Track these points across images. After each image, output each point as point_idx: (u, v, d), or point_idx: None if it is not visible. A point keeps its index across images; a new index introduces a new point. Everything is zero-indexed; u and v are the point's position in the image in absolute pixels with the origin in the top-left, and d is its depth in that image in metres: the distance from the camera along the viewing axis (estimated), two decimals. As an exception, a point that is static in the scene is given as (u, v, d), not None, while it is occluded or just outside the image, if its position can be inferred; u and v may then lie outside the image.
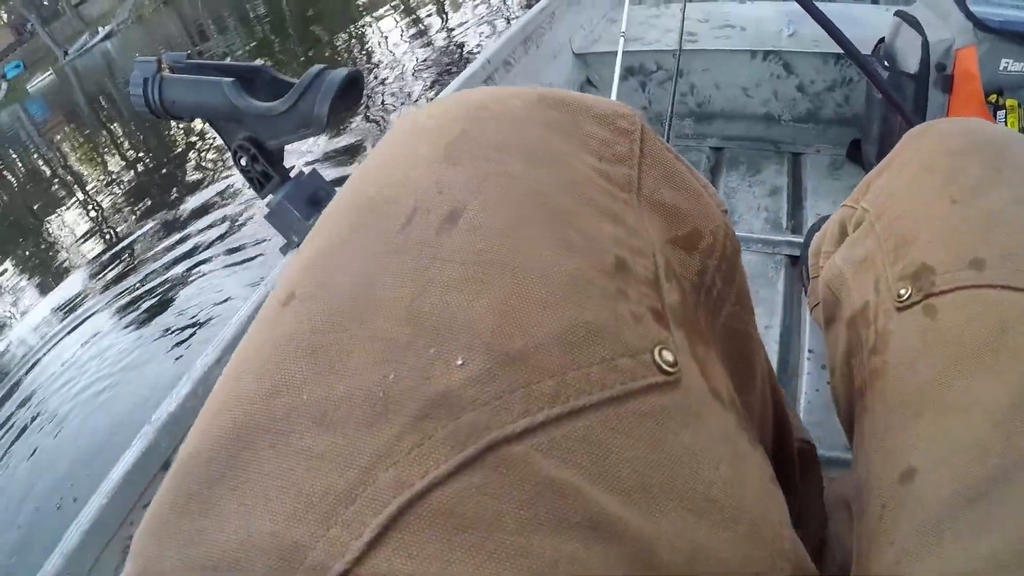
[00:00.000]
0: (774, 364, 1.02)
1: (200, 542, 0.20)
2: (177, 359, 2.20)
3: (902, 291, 0.37)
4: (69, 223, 3.58)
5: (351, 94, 0.74)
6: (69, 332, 2.52)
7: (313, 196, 0.78)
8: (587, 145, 0.29)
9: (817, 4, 1.68)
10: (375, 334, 0.21)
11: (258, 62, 0.79)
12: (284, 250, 0.81)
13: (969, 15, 0.99)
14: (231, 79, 0.75)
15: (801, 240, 1.20)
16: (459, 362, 0.20)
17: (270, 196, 0.78)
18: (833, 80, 1.41)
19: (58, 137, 5.85)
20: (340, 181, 0.85)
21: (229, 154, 0.79)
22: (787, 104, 1.48)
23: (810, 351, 1.02)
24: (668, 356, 0.23)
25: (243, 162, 0.78)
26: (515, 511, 0.19)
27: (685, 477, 0.22)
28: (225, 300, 2.31)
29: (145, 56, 0.80)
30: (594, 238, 0.25)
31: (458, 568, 0.18)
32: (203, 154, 3.70)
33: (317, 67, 0.73)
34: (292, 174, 0.78)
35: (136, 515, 0.58)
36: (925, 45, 1.06)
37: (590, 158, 0.28)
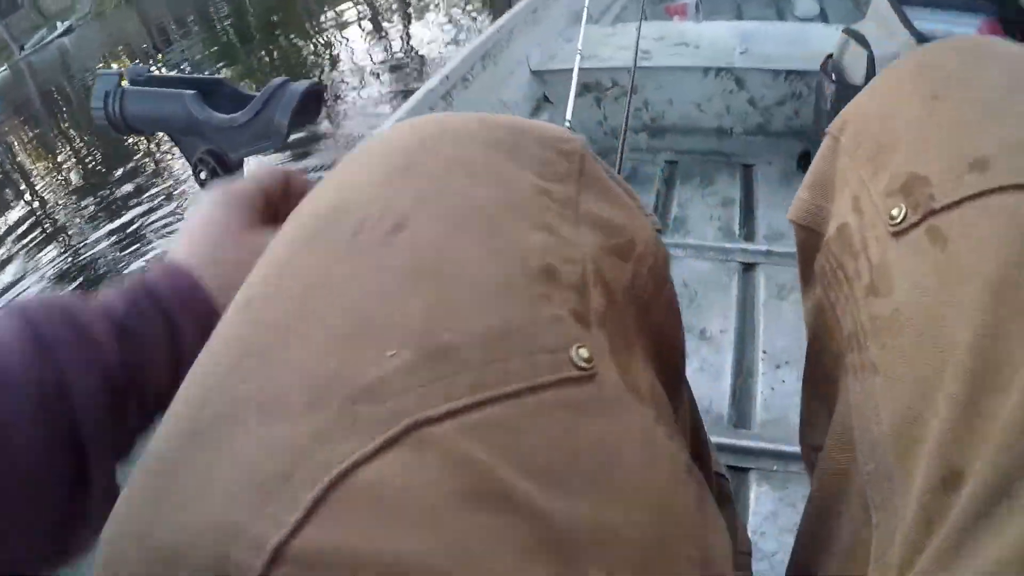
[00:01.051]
0: (729, 365, 1.08)
1: (149, 535, 0.22)
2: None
3: (894, 211, 0.31)
4: (10, 218, 3.50)
5: (312, 106, 0.75)
6: None
7: (273, 207, 0.79)
8: (528, 165, 0.31)
9: (769, 23, 1.74)
10: (320, 332, 0.24)
11: (219, 75, 0.80)
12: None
13: (912, 30, 1.07)
14: (192, 91, 0.76)
15: (753, 247, 1.27)
16: (389, 354, 0.23)
17: (230, 207, 0.79)
18: (783, 95, 1.46)
19: (9, 135, 5.66)
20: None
21: (184, 166, 0.80)
22: (739, 118, 1.52)
23: (764, 352, 1.08)
24: (584, 353, 0.26)
25: (203, 176, 0.79)
26: (432, 484, 0.21)
27: (594, 461, 0.24)
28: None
29: (106, 68, 0.80)
30: (523, 248, 0.28)
31: (382, 536, 0.20)
32: (154, 161, 3.66)
33: (278, 79, 0.74)
34: (252, 185, 0.80)
35: None
36: (871, 59, 1.12)
37: (531, 176, 0.31)
